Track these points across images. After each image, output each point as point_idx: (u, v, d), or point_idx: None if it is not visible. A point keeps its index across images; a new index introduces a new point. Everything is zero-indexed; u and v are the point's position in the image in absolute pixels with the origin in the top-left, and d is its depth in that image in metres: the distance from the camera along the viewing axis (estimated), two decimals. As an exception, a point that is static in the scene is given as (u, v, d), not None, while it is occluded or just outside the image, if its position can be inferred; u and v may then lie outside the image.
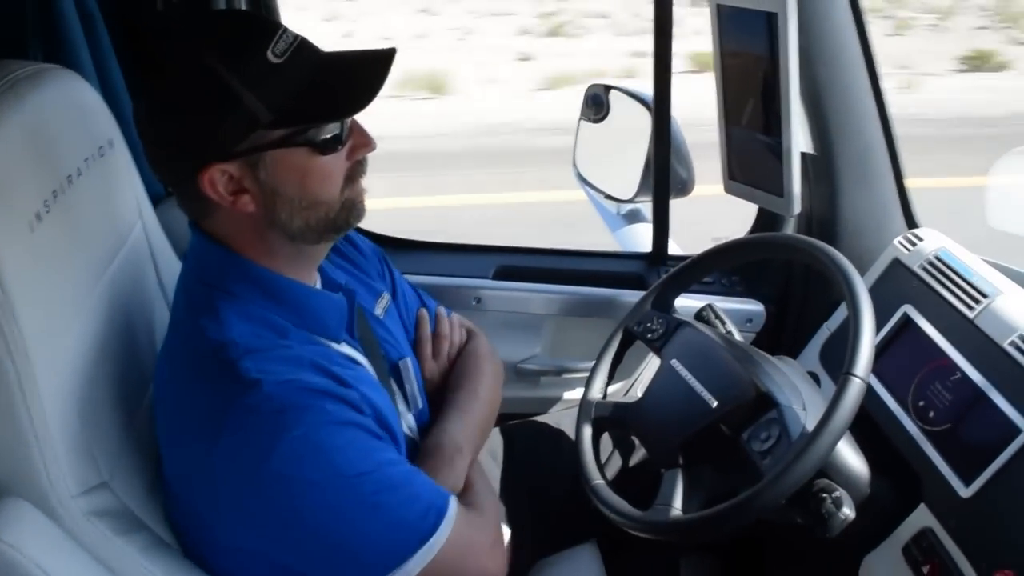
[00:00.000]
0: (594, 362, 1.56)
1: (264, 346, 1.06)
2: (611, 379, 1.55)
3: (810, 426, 1.21)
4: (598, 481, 1.39)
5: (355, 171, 1.11)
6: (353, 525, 1.05)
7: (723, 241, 1.56)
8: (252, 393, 1.01)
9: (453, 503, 1.12)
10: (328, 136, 1.05)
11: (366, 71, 1.05)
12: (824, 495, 1.22)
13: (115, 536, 1.07)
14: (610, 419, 1.48)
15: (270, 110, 1.00)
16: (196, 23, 1.08)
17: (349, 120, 1.08)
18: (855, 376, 1.17)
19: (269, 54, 1.00)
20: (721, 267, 1.65)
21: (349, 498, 1.04)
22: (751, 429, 1.27)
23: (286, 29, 1.04)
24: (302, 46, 1.04)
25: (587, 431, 1.47)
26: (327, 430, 1.03)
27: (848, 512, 1.20)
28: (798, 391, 1.30)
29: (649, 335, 1.51)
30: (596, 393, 1.53)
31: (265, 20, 1.09)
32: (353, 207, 1.12)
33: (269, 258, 1.12)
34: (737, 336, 1.53)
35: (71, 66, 1.28)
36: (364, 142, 1.11)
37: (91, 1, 1.59)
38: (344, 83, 1.04)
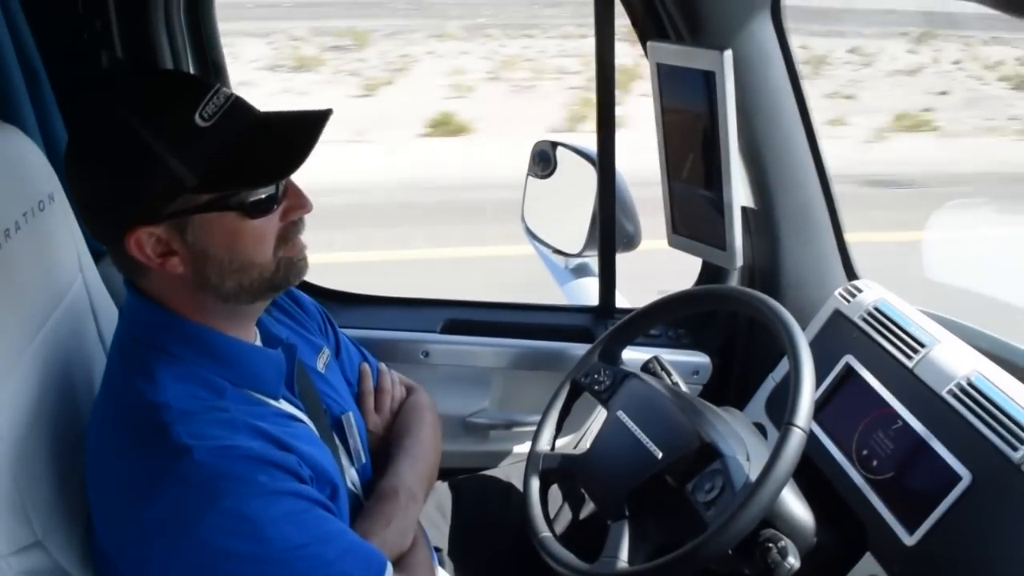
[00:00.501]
0: (541, 415, 1.56)
1: (198, 409, 1.04)
2: (559, 431, 1.55)
3: (754, 476, 1.22)
4: (545, 534, 1.38)
5: (289, 232, 1.09)
6: None
7: (668, 294, 1.58)
8: (183, 461, 0.99)
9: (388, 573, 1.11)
10: (259, 199, 1.04)
11: (298, 133, 1.04)
12: (770, 545, 1.22)
13: None
14: (558, 471, 1.48)
15: (195, 174, 0.99)
16: (123, 84, 1.07)
17: (284, 181, 1.07)
18: (796, 427, 1.19)
19: (196, 117, 0.99)
20: (666, 319, 1.67)
21: (278, 573, 1.02)
22: (696, 480, 1.28)
23: (219, 89, 1.03)
24: (235, 107, 1.03)
25: (535, 483, 1.46)
26: (259, 502, 1.00)
27: (793, 561, 1.21)
28: (742, 441, 1.31)
29: (596, 387, 1.52)
30: (544, 445, 1.52)
31: (197, 81, 1.07)
32: (292, 266, 1.11)
33: (204, 316, 1.10)
34: (684, 388, 1.54)
35: (13, 122, 1.27)
36: (299, 203, 1.09)
37: (35, 57, 1.58)
38: (275, 146, 1.03)
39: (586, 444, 1.51)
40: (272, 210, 1.06)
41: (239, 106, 1.04)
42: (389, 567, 1.12)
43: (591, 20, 1.72)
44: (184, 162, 0.99)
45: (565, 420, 1.57)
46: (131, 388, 1.05)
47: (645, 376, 1.50)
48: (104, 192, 1.02)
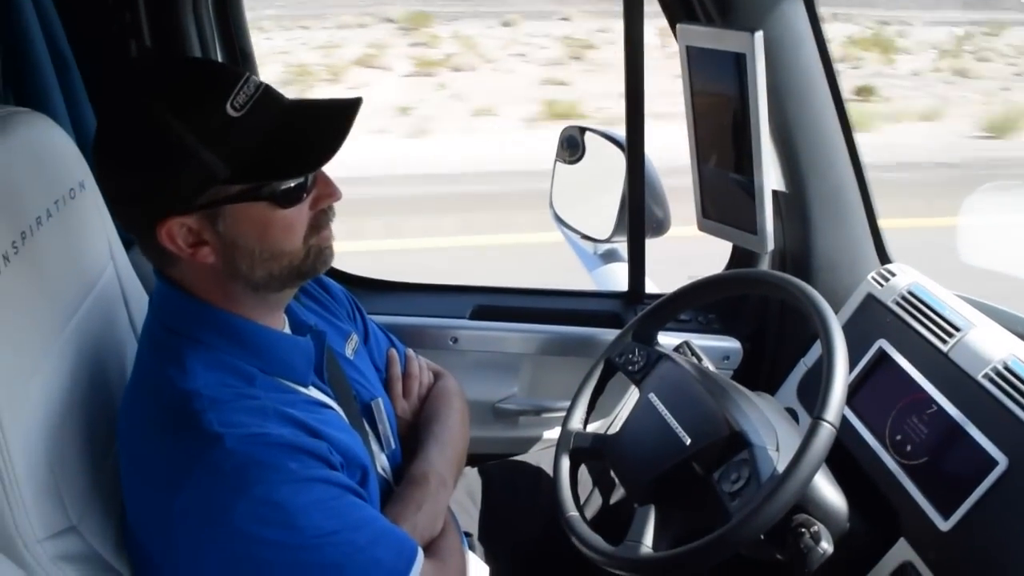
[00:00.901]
0: (575, 393, 1.56)
1: (229, 397, 1.04)
2: (591, 410, 1.54)
3: (781, 468, 1.20)
4: (572, 513, 1.39)
5: (320, 220, 1.09)
6: None
7: (702, 277, 1.56)
8: (214, 449, 0.99)
9: (418, 562, 1.11)
10: (290, 188, 1.04)
11: (330, 122, 1.03)
12: (802, 530, 1.21)
13: None
14: (588, 450, 1.48)
15: (228, 165, 0.99)
16: (152, 75, 1.06)
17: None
18: (825, 421, 1.17)
19: (228, 108, 0.99)
20: (702, 301, 1.64)
21: (310, 560, 1.02)
22: (722, 469, 1.27)
23: (249, 78, 1.02)
24: (265, 96, 1.02)
25: (565, 462, 1.46)
26: (290, 488, 1.01)
27: (827, 547, 1.20)
28: (773, 431, 1.30)
29: (630, 367, 1.51)
30: (576, 424, 1.52)
31: (227, 70, 1.06)
32: (320, 254, 1.10)
33: (233, 304, 1.10)
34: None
35: (43, 110, 1.27)
36: (329, 192, 1.09)
37: (64, 46, 1.59)
38: (306, 136, 1.03)
39: (617, 427, 1.50)
40: (302, 199, 1.05)
41: (269, 95, 1.03)
42: (420, 552, 1.11)
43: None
44: (216, 154, 0.98)
45: (598, 400, 1.56)
46: (162, 376, 1.06)
47: (679, 358, 1.49)
48: (136, 185, 1.02)
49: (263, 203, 1.03)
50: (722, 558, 1.17)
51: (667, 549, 1.25)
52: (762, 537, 1.19)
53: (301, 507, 1.01)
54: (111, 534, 1.12)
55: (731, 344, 1.91)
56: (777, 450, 1.26)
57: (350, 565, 1.04)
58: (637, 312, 1.75)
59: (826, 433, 1.16)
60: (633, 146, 1.88)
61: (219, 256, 1.05)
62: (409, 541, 1.12)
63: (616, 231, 2.08)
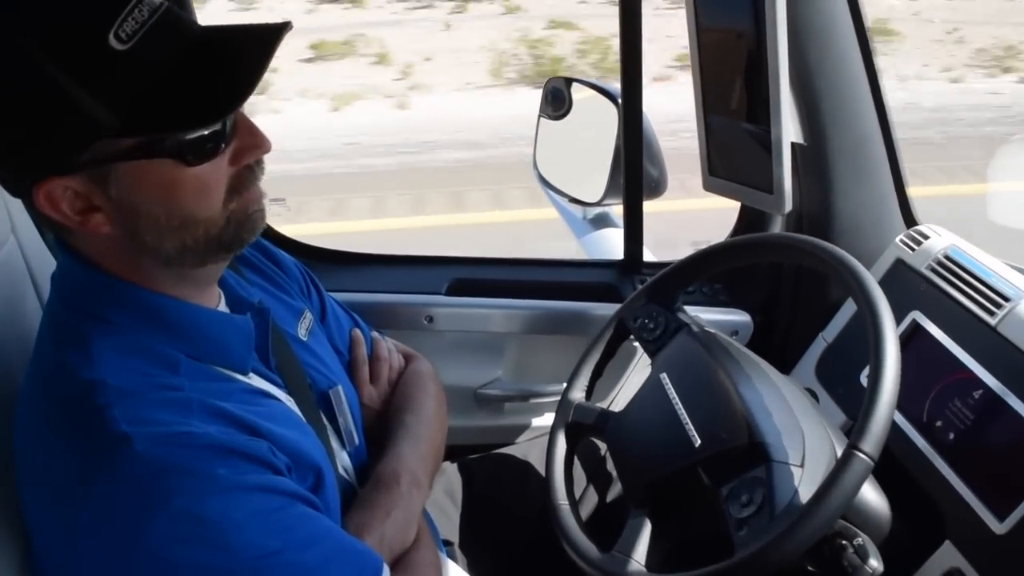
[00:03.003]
0: (580, 356, 1.42)
1: (143, 388, 0.87)
2: (598, 377, 1.41)
3: (803, 491, 1.04)
4: (562, 503, 1.25)
5: (243, 179, 0.91)
6: None
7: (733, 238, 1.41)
8: (121, 452, 0.82)
9: None
10: (199, 140, 0.85)
11: (245, 55, 0.85)
12: (843, 542, 1.04)
13: None
14: (590, 427, 1.34)
15: (114, 113, 0.80)
16: (23, 3, 0.84)
17: (233, 115, 0.87)
18: (862, 453, 0.99)
19: (112, 38, 0.78)
20: (733, 264, 1.49)
21: None
22: (733, 484, 1.10)
23: (141, 0, 0.81)
24: (164, 22, 0.81)
25: (561, 439, 1.33)
26: (219, 500, 0.84)
27: (876, 565, 1.03)
28: (800, 438, 1.12)
29: (645, 333, 1.37)
30: (577, 393, 1.38)
31: None
32: (246, 220, 0.92)
33: (148, 279, 0.93)
34: None
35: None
36: (253, 143, 0.90)
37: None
38: (216, 72, 0.84)
39: (621, 401, 1.34)
40: (217, 153, 0.87)
41: (170, 21, 0.82)
42: (386, 570, 0.96)
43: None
44: (98, 98, 0.79)
45: (607, 365, 1.42)
46: (61, 364, 0.89)
47: (699, 332, 1.32)
48: (5, 138, 0.83)
49: (165, 160, 0.84)
50: None
51: (658, 565, 1.13)
52: None
53: (234, 522, 0.84)
54: (13, 567, 0.95)
55: (740, 317, 1.77)
56: (801, 466, 1.09)
57: None
58: (634, 283, 1.63)
59: (861, 468, 0.99)
60: (629, 97, 1.73)
61: (116, 225, 0.87)
62: (372, 557, 0.96)
63: (608, 193, 1.94)
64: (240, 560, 0.84)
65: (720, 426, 1.15)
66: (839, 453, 1.02)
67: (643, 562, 1.13)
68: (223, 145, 0.87)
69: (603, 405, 1.41)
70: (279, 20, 0.85)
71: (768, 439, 1.11)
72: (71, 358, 0.88)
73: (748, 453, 1.11)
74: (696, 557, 1.05)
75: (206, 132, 0.84)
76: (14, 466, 0.95)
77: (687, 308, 1.48)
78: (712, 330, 1.35)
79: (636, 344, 1.43)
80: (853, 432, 1.01)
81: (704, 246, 1.42)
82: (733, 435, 1.13)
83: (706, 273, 1.45)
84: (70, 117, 0.79)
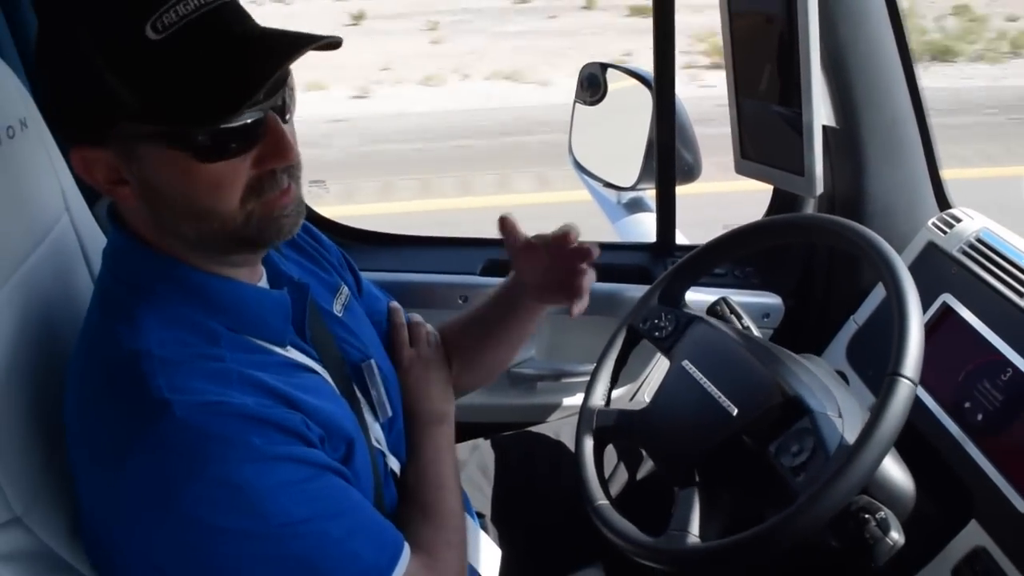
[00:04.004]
0: (595, 365, 1.41)
1: (185, 357, 0.90)
2: (614, 383, 1.40)
3: (849, 436, 1.06)
4: (602, 502, 1.24)
5: (264, 183, 0.91)
6: None
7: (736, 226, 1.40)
8: (161, 419, 0.85)
9: (404, 559, 0.98)
10: (212, 138, 0.85)
11: (267, 59, 0.85)
12: (866, 516, 1.05)
13: None
14: (614, 429, 1.33)
15: (138, 97, 0.83)
16: None
17: (264, 117, 0.88)
18: (904, 377, 1.01)
19: (148, 28, 0.81)
20: (738, 255, 1.49)
21: (275, 553, 0.88)
22: (779, 441, 1.11)
23: None
24: (208, 19, 0.84)
25: (588, 444, 1.31)
26: (253, 468, 0.87)
27: (897, 537, 1.04)
28: (831, 395, 1.14)
29: (656, 333, 1.36)
30: (598, 400, 1.37)
31: None
32: (269, 222, 0.92)
33: (186, 256, 0.95)
34: (755, 332, 1.37)
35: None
36: (276, 151, 0.89)
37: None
38: (231, 74, 0.84)
39: (644, 398, 1.35)
40: (232, 155, 0.87)
41: (215, 18, 0.84)
42: (406, 548, 0.99)
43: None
44: (125, 81, 0.82)
45: (621, 371, 1.41)
46: (109, 334, 0.92)
47: (712, 320, 1.33)
48: (52, 105, 0.91)
49: (180, 152, 0.86)
50: (790, 544, 1.02)
51: (717, 538, 1.10)
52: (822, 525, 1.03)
53: (265, 489, 0.87)
54: (63, 525, 0.98)
55: (772, 300, 1.77)
56: (840, 416, 1.10)
57: (322, 559, 0.90)
58: (667, 265, 1.63)
59: (905, 391, 1.01)
60: (662, 82, 1.74)
61: (140, 200, 0.90)
62: (394, 535, 0.99)
63: (642, 178, 1.95)
64: (268, 526, 0.87)
65: (754, 392, 1.16)
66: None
67: (699, 534, 1.12)
68: (244, 147, 0.87)
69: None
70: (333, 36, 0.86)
71: (803, 393, 1.13)
72: (118, 327, 0.91)
73: (787, 409, 1.12)
74: (753, 521, 1.06)
75: (223, 130, 0.85)
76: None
77: (720, 291, 1.50)
78: (719, 320, 1.36)
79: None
80: (892, 360, 1.03)
81: (708, 240, 1.42)
82: (768, 396, 1.14)
83: (713, 267, 1.45)
84: (100, 94, 0.83)
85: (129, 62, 0.82)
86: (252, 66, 0.84)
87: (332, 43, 0.86)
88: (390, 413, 1.18)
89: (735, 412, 1.16)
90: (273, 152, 0.89)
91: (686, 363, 1.26)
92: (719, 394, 1.19)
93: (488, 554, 1.31)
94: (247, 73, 0.83)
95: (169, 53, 0.82)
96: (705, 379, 1.22)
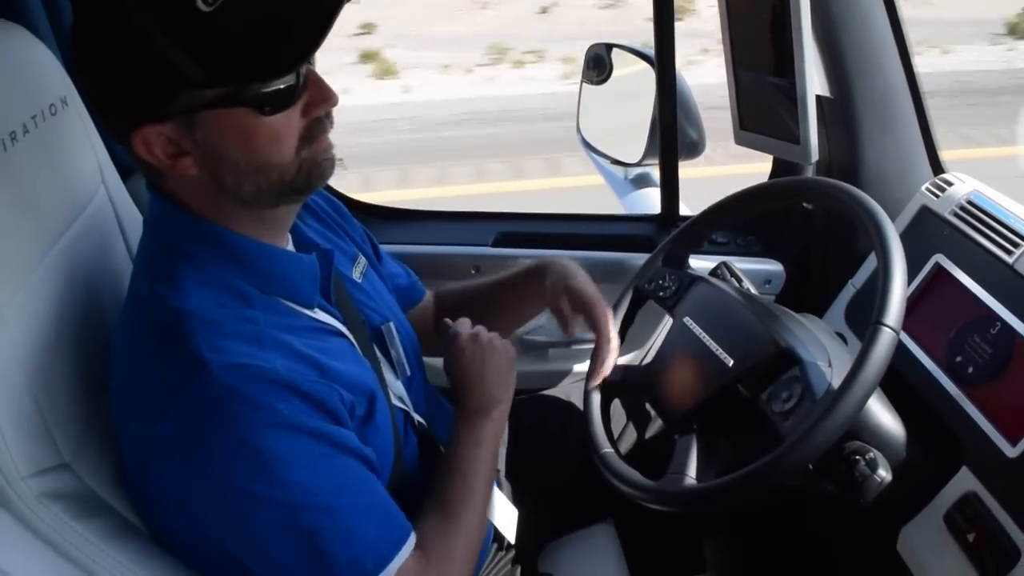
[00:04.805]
0: None
1: (224, 318, 0.96)
2: (622, 341, 1.45)
3: (836, 383, 1.11)
4: (607, 450, 1.30)
5: (314, 129, 0.99)
6: (274, 552, 0.96)
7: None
8: (198, 376, 0.91)
9: (408, 546, 1.02)
10: (273, 92, 0.93)
11: (313, 16, 0.92)
12: (856, 457, 1.11)
13: (72, 520, 0.98)
14: (620, 384, 1.39)
15: (201, 67, 0.89)
16: None
17: (304, 71, 0.96)
18: (885, 325, 1.06)
19: (199, 2, 0.88)
20: (736, 218, 1.53)
21: (283, 519, 0.94)
22: (771, 389, 1.17)
23: None
24: None
25: (595, 397, 1.37)
26: (274, 434, 0.92)
27: (884, 474, 1.10)
28: (823, 347, 1.20)
29: (661, 293, 1.42)
30: None
31: None
32: (315, 167, 1.00)
33: (229, 220, 1.02)
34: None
35: (22, 23, 1.18)
36: (323, 96, 0.98)
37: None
38: (287, 33, 0.91)
39: (650, 358, 1.41)
40: (289, 105, 0.95)
41: None
42: (411, 541, 1.03)
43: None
44: (187, 54, 0.88)
45: (628, 330, 1.46)
46: (153, 295, 0.98)
47: (714, 280, 1.39)
48: (108, 92, 0.94)
49: (244, 109, 0.93)
50: (777, 482, 1.07)
51: (713, 479, 1.16)
52: (810, 467, 1.09)
53: (281, 457, 0.93)
54: (108, 469, 1.05)
55: (773, 267, 1.81)
56: (830, 365, 1.16)
57: (326, 534, 0.96)
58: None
59: (887, 338, 1.06)
60: (663, 59, 1.77)
61: (202, 168, 0.96)
62: (401, 522, 1.04)
63: (648, 154, 1.99)
64: (282, 493, 0.93)
65: (748, 344, 1.21)
66: None
67: (696, 476, 1.18)
68: (295, 98, 0.95)
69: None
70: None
71: (794, 344, 1.18)
72: (161, 289, 0.97)
73: (779, 359, 1.18)
74: (747, 464, 1.10)
75: (280, 85, 0.92)
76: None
77: (723, 258, 1.55)
78: (721, 280, 1.40)
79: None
80: (875, 310, 1.07)
81: (707, 205, 1.46)
82: (762, 348, 1.20)
83: (713, 231, 1.51)
84: (164, 71, 0.88)
85: (190, 34, 0.88)
86: (307, 20, 0.90)
87: None
88: (408, 372, 1.24)
89: (731, 363, 1.21)
90: (319, 98, 0.97)
91: (687, 319, 1.32)
92: (716, 347, 1.24)
93: (505, 512, 1.35)
94: (305, 27, 0.90)
95: (224, 21, 0.88)
96: (704, 334, 1.27)
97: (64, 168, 1.16)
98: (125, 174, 1.35)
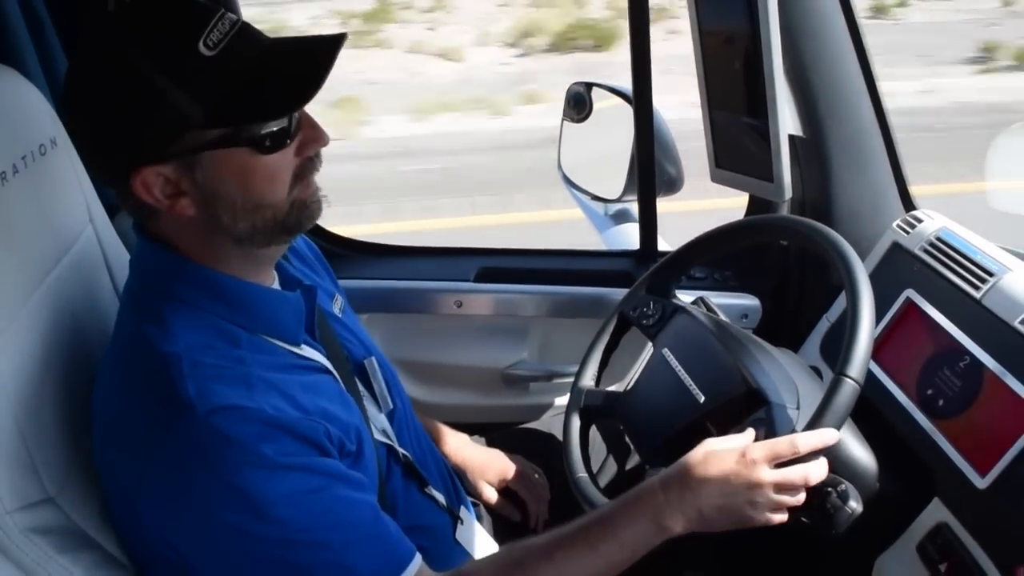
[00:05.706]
0: (587, 349, 1.49)
1: (212, 360, 0.98)
2: (604, 367, 1.48)
3: (800, 428, 1.14)
4: (581, 475, 1.32)
5: (305, 169, 1.02)
6: None
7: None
8: (186, 419, 0.93)
9: (412, 567, 1.03)
10: (271, 132, 0.97)
11: (311, 60, 0.96)
12: (828, 489, 1.13)
13: (58, 555, 0.99)
14: (600, 409, 1.41)
15: (203, 108, 0.92)
16: (121, 16, 0.98)
17: (298, 113, 0.99)
18: (847, 377, 1.10)
19: (201, 46, 0.91)
20: (719, 251, 1.56)
21: (276, 556, 0.96)
22: (737, 428, 1.19)
23: (224, 14, 0.95)
24: (242, 34, 0.95)
25: (575, 421, 1.40)
26: (261, 475, 0.94)
27: (855, 505, 1.12)
28: (794, 388, 1.22)
29: (644, 320, 1.45)
30: (587, 381, 1.46)
31: (199, 7, 0.98)
32: (305, 207, 1.03)
33: (217, 260, 1.04)
34: None
35: (14, 66, 1.21)
36: (314, 137, 1.02)
37: (39, 4, 1.53)
38: (285, 74, 0.96)
39: (631, 386, 1.43)
40: (286, 144, 0.99)
41: (246, 33, 0.96)
42: (415, 559, 1.04)
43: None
44: (190, 96, 0.92)
45: (611, 356, 1.49)
46: (141, 337, 1.00)
47: (695, 311, 1.41)
48: (106, 133, 0.96)
49: (244, 149, 0.96)
50: None
51: None
52: None
53: (273, 497, 0.94)
54: (93, 504, 1.07)
55: (750, 302, 1.83)
56: (797, 408, 1.19)
57: (318, 569, 0.97)
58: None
59: (849, 390, 1.09)
60: (640, 97, 1.81)
61: (199, 208, 0.99)
62: (399, 552, 1.04)
63: (627, 190, 2.02)
64: (272, 531, 0.94)
65: (720, 382, 1.24)
66: None
67: None
68: (289, 139, 0.98)
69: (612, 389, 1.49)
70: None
71: (764, 386, 1.20)
72: (149, 332, 0.99)
73: (748, 399, 1.20)
74: None
75: (276, 127, 0.96)
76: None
77: (701, 293, 1.58)
78: (702, 312, 1.42)
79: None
80: (839, 361, 1.10)
81: (691, 238, 1.49)
82: (732, 387, 1.22)
83: (697, 262, 1.53)
84: (166, 113, 0.91)
85: (192, 78, 0.91)
86: (307, 65, 0.95)
87: (343, 37, 0.97)
88: (391, 406, 1.26)
89: (702, 399, 1.24)
90: (312, 137, 1.01)
91: (666, 351, 1.35)
92: (691, 383, 1.27)
93: (483, 543, 1.37)
94: (307, 71, 0.94)
95: (225, 65, 0.92)
96: (680, 368, 1.30)
97: (52, 207, 1.18)
98: (112, 211, 1.37)
